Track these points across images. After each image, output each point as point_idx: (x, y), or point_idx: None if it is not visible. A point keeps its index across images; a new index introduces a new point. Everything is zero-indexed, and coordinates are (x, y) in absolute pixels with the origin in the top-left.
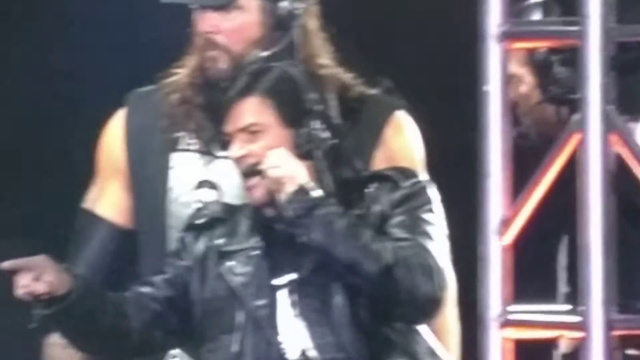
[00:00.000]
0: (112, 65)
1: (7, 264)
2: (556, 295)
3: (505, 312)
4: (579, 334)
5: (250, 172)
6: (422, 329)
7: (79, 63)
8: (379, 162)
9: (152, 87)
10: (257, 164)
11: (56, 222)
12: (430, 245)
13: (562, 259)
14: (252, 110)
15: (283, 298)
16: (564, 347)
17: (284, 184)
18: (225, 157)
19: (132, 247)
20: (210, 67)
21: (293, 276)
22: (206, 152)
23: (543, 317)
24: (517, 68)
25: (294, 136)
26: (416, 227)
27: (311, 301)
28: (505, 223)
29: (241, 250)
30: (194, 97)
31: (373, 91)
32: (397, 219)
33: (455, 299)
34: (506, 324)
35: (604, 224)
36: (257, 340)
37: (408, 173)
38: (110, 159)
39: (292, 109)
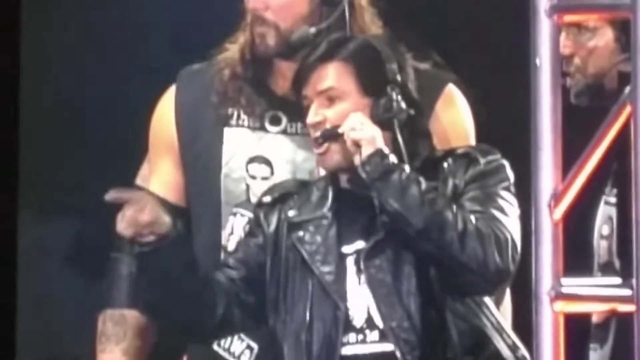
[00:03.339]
0: (164, 41)
1: (111, 195)
2: (593, 268)
3: (556, 286)
4: (630, 307)
5: (328, 135)
6: (490, 304)
7: (132, 41)
8: (433, 134)
9: (203, 64)
10: (335, 127)
11: (91, 200)
12: (502, 217)
13: (600, 230)
14: (332, 75)
15: (350, 266)
16: (595, 317)
17: (362, 146)
18: (277, 132)
19: (186, 224)
20: (259, 43)
21: (361, 244)
22: (258, 127)
23: (594, 290)
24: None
25: (372, 105)
26: (490, 201)
27: (379, 269)
28: (557, 197)
29: (311, 219)
30: (245, 72)
31: (424, 65)
32: (472, 193)
33: None
34: (557, 297)
35: None
36: (325, 307)
37: (486, 150)
38: (161, 136)
39: (372, 77)
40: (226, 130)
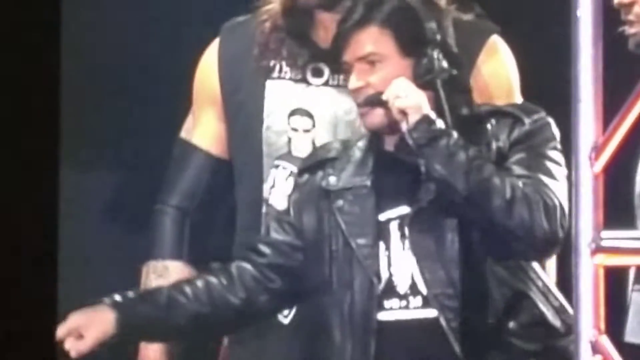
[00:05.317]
0: None
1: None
2: (635, 221)
3: (596, 239)
4: None
5: (372, 102)
6: (536, 266)
7: None
8: (474, 88)
9: (246, 17)
10: (379, 94)
11: (144, 153)
12: (551, 182)
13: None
14: (370, 40)
15: (394, 231)
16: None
17: (408, 114)
18: (319, 85)
19: (229, 176)
20: None
21: (405, 210)
22: (300, 79)
23: (635, 243)
24: None
25: (413, 66)
26: (537, 164)
27: (422, 235)
28: (597, 149)
29: (350, 188)
30: (286, 24)
31: (467, 16)
32: (518, 156)
33: None
34: (597, 250)
35: None
36: (362, 277)
37: (530, 109)
38: (204, 89)
39: (411, 38)
40: (268, 82)
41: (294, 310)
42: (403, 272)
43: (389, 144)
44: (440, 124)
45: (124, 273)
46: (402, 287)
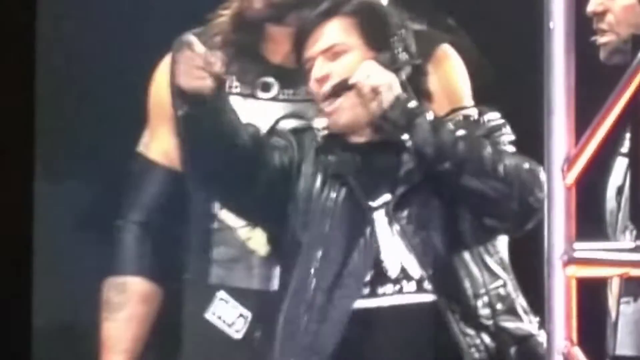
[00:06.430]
0: (161, 8)
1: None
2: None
3: (569, 250)
4: None
5: (339, 88)
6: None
7: (131, 7)
8: None
9: (198, 31)
10: (345, 80)
11: (106, 166)
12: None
13: (610, 201)
14: (336, 30)
15: (379, 219)
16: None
17: (382, 92)
18: (268, 99)
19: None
20: (247, 9)
21: (387, 197)
22: (248, 94)
23: (607, 254)
24: None
25: (377, 58)
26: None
27: (409, 221)
28: (569, 161)
29: (335, 176)
30: (236, 39)
31: (417, 26)
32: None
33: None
34: (570, 262)
35: None
36: (357, 260)
37: (485, 111)
38: (158, 104)
39: (376, 31)
40: None
41: (246, 325)
42: (393, 258)
43: (359, 135)
44: (413, 102)
45: (96, 287)
46: (393, 272)
